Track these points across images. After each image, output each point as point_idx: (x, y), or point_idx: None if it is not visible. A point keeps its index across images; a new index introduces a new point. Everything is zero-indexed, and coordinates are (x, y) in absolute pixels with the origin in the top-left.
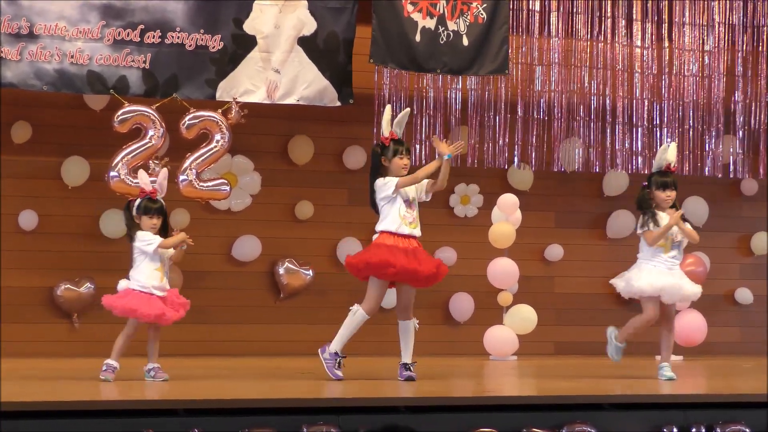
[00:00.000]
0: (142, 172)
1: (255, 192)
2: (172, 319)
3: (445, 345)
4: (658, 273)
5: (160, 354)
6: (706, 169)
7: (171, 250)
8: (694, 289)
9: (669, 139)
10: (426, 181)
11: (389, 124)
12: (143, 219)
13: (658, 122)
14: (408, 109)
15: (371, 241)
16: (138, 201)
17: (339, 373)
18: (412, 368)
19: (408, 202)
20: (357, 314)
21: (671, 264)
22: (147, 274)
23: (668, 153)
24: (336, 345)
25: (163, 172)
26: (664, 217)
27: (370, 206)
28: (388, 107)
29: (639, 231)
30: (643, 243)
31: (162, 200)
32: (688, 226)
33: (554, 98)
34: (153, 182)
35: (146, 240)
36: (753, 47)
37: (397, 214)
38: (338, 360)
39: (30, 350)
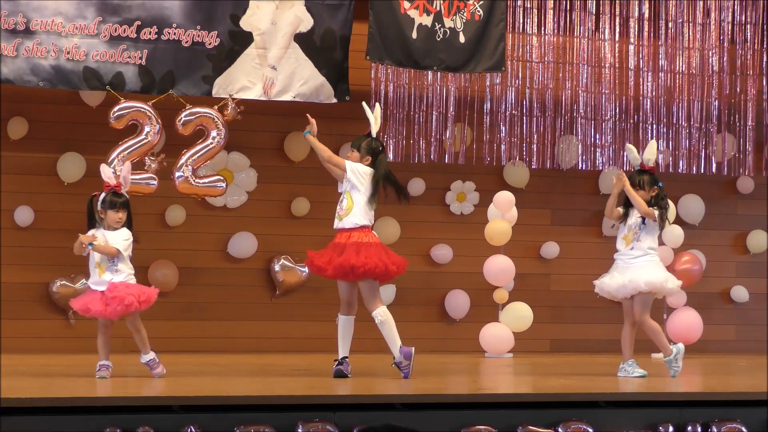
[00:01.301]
0: (104, 167)
1: (251, 189)
2: (102, 314)
3: (441, 342)
4: (612, 274)
5: (156, 350)
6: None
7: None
8: (643, 280)
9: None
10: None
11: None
12: (109, 213)
13: (654, 120)
14: (362, 102)
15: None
16: (103, 195)
17: (337, 368)
18: (400, 366)
19: (340, 197)
20: (339, 321)
21: (629, 258)
22: (90, 271)
23: (645, 151)
24: (340, 352)
25: (126, 166)
26: (632, 214)
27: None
28: (364, 104)
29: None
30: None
31: (126, 194)
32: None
33: (551, 95)
34: (116, 176)
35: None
36: (750, 44)
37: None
38: (339, 360)
39: (26, 346)
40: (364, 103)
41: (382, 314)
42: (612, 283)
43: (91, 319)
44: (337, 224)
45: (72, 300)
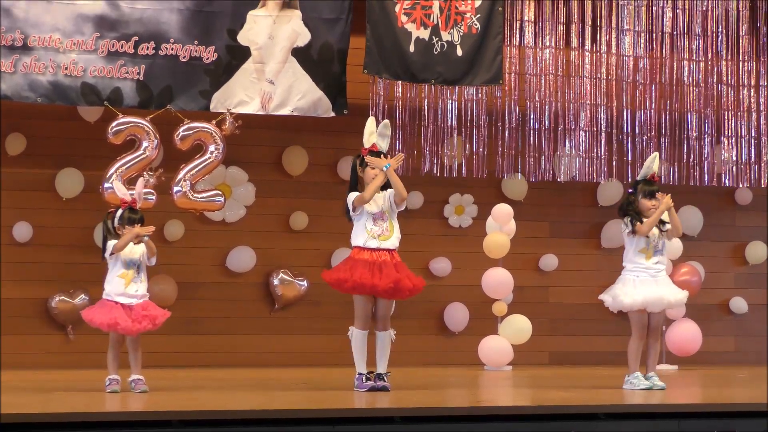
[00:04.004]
0: (117, 183)
1: (249, 203)
2: (129, 330)
3: (440, 355)
4: (641, 284)
5: (155, 365)
6: (713, 177)
7: (137, 253)
8: (678, 296)
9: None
10: (392, 193)
11: (371, 136)
12: (127, 229)
13: (652, 132)
14: (386, 120)
15: None
16: (120, 212)
17: (368, 384)
18: (386, 378)
19: (375, 216)
20: (353, 335)
21: (655, 272)
22: (110, 281)
23: (655, 163)
24: (358, 368)
25: (140, 182)
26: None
27: (345, 216)
28: (371, 119)
29: (625, 233)
30: (627, 251)
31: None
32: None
33: (548, 108)
34: (131, 193)
35: (107, 247)
36: (750, 55)
37: (363, 229)
38: (364, 378)
39: (24, 362)
40: (387, 122)
41: (394, 332)
42: (650, 295)
43: (92, 334)
44: (378, 244)
45: (87, 312)
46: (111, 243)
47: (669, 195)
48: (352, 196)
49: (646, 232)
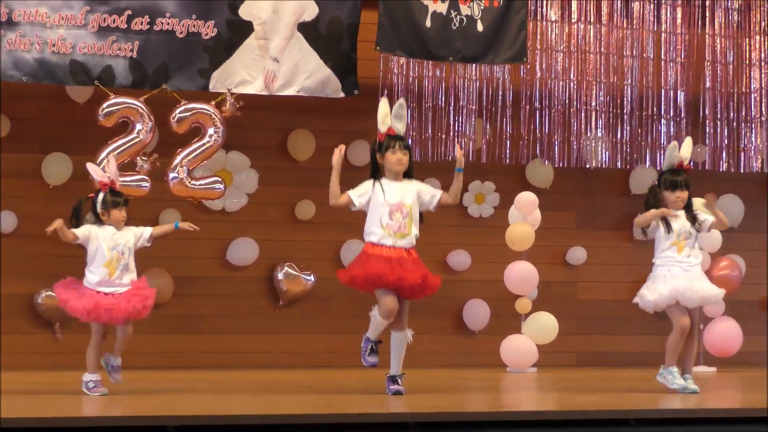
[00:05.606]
0: (92, 165)
1: (252, 191)
2: (115, 314)
3: (459, 356)
4: (672, 278)
5: (150, 366)
6: (741, 165)
7: (120, 241)
8: (713, 291)
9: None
10: (438, 192)
11: (387, 118)
12: (113, 213)
13: (687, 114)
14: (401, 100)
15: None
16: (102, 195)
17: (371, 359)
18: (400, 381)
19: (392, 208)
20: (375, 317)
21: (687, 266)
22: (93, 271)
23: (681, 149)
24: (371, 334)
25: (112, 162)
26: (680, 216)
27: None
28: (383, 101)
29: (652, 236)
30: (657, 246)
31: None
32: (715, 216)
33: (576, 88)
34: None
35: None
36: None
37: (378, 224)
38: (371, 345)
39: (9, 363)
40: (402, 101)
41: (412, 332)
42: (680, 286)
43: (81, 333)
44: (393, 242)
45: (72, 302)
46: (84, 228)
47: (711, 194)
48: (355, 190)
49: (640, 224)
